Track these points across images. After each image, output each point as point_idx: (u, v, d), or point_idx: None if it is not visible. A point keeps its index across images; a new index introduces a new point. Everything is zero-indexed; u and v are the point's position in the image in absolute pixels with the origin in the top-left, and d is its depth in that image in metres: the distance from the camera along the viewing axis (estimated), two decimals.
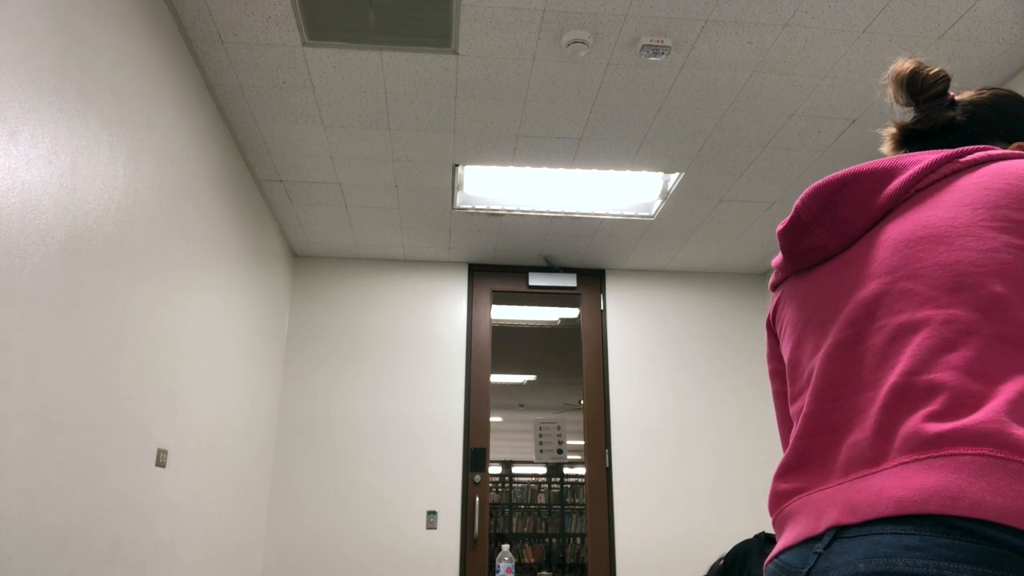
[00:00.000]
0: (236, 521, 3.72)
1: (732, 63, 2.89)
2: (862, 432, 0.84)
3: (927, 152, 0.97)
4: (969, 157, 0.94)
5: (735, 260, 4.79)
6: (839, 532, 0.80)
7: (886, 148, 1.14)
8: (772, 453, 4.69)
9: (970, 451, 0.74)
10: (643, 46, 2.76)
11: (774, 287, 1.13)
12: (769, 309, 1.14)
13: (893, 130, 1.13)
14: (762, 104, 3.14)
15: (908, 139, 1.12)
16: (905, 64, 1.08)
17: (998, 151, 0.94)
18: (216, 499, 3.39)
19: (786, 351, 1.05)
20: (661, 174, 3.80)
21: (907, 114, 1.12)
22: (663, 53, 2.79)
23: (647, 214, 4.16)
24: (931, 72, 1.07)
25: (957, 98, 1.09)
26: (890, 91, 1.10)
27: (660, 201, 4.04)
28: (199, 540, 3.19)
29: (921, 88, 1.07)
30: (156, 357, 2.67)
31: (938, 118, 1.08)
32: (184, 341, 2.94)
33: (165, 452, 2.77)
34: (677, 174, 3.76)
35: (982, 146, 0.95)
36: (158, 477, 2.72)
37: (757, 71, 2.94)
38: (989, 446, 0.73)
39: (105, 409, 2.29)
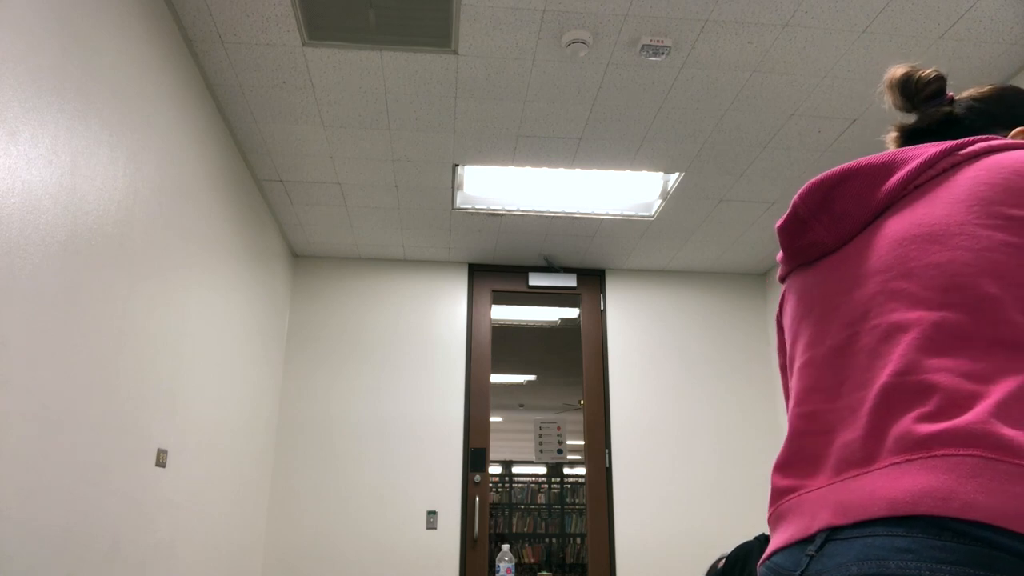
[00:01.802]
0: (236, 521, 3.72)
1: (732, 63, 2.89)
2: (853, 432, 0.84)
3: (928, 145, 0.96)
4: (969, 149, 0.93)
5: (735, 260, 4.79)
6: (831, 534, 0.80)
7: (891, 135, 1.15)
8: (772, 453, 4.69)
9: (961, 452, 0.74)
10: (643, 46, 2.76)
11: (782, 280, 1.13)
12: (778, 303, 1.14)
13: (894, 133, 1.14)
14: (762, 104, 3.14)
15: (909, 138, 1.12)
16: (896, 70, 1.08)
17: (999, 141, 0.93)
18: (216, 499, 3.39)
19: (787, 346, 1.06)
20: (661, 174, 3.80)
21: (909, 118, 1.12)
22: (663, 53, 2.79)
23: (647, 214, 4.16)
24: (924, 74, 1.07)
25: (957, 97, 1.10)
26: (888, 100, 1.11)
27: (660, 201, 4.03)
28: (199, 540, 3.19)
29: (916, 90, 1.08)
30: (156, 357, 2.67)
31: (935, 115, 1.08)
32: (184, 341, 2.94)
33: (165, 452, 2.77)
34: (677, 174, 3.76)
35: (983, 136, 0.95)
36: (158, 477, 2.72)
37: (757, 71, 2.94)
38: (980, 447, 0.73)
39: (105, 409, 2.29)
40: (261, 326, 4.04)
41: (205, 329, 3.17)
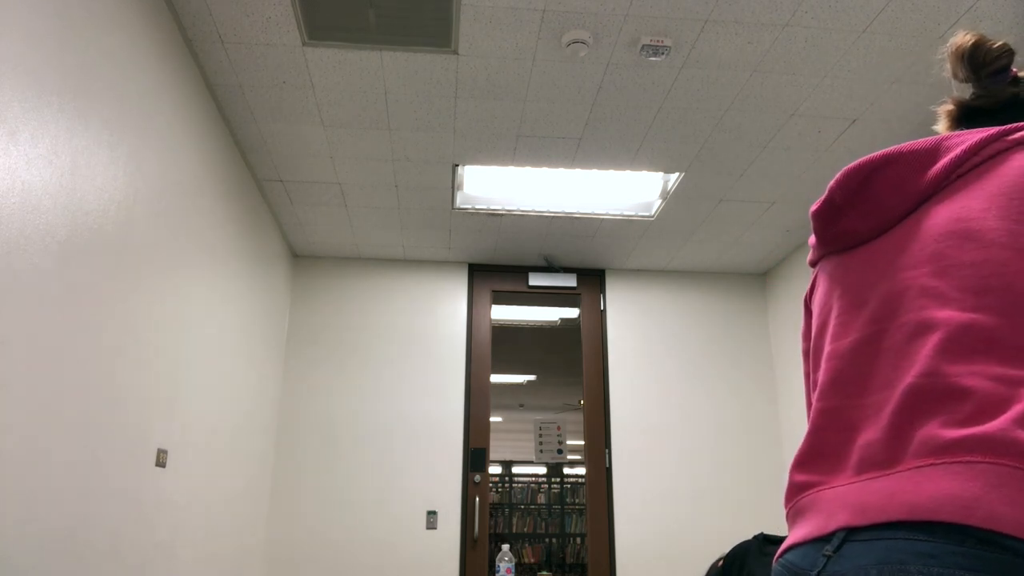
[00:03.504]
0: (236, 521, 3.72)
1: (732, 63, 2.89)
2: (875, 432, 0.82)
3: (973, 131, 0.90)
4: (1019, 135, 0.87)
5: (735, 260, 4.79)
6: (849, 534, 0.78)
7: (941, 126, 1.07)
8: (772, 453, 4.69)
9: (987, 459, 0.72)
10: (643, 46, 2.76)
11: (812, 264, 1.08)
12: (808, 287, 1.09)
13: (950, 107, 1.06)
14: (762, 104, 3.14)
15: (967, 116, 1.04)
16: (967, 37, 1.01)
17: None
18: (216, 499, 3.39)
19: (812, 334, 1.02)
20: (661, 174, 3.80)
21: (964, 90, 1.05)
22: (663, 53, 2.79)
23: (647, 214, 4.16)
24: (995, 45, 1.00)
25: (1021, 74, 1.03)
26: (948, 65, 1.03)
27: (660, 201, 4.03)
28: (199, 540, 3.19)
29: (984, 62, 1.00)
30: (156, 357, 2.67)
31: (1000, 94, 1.01)
32: (184, 341, 2.94)
33: (165, 452, 2.77)
34: (677, 174, 3.76)
35: None
36: (158, 477, 2.72)
37: (757, 71, 2.94)
38: (1008, 456, 0.71)
39: (105, 409, 2.29)
40: (261, 326, 4.04)
41: (205, 329, 3.17)
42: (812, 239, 1.05)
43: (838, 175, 0.97)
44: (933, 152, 0.91)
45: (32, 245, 1.87)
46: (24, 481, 1.87)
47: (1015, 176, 0.84)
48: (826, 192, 0.99)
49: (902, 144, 0.93)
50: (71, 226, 2.06)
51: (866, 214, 0.95)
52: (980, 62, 1.00)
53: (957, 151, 0.89)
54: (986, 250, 0.82)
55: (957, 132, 0.92)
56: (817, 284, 1.04)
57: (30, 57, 1.84)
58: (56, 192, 1.98)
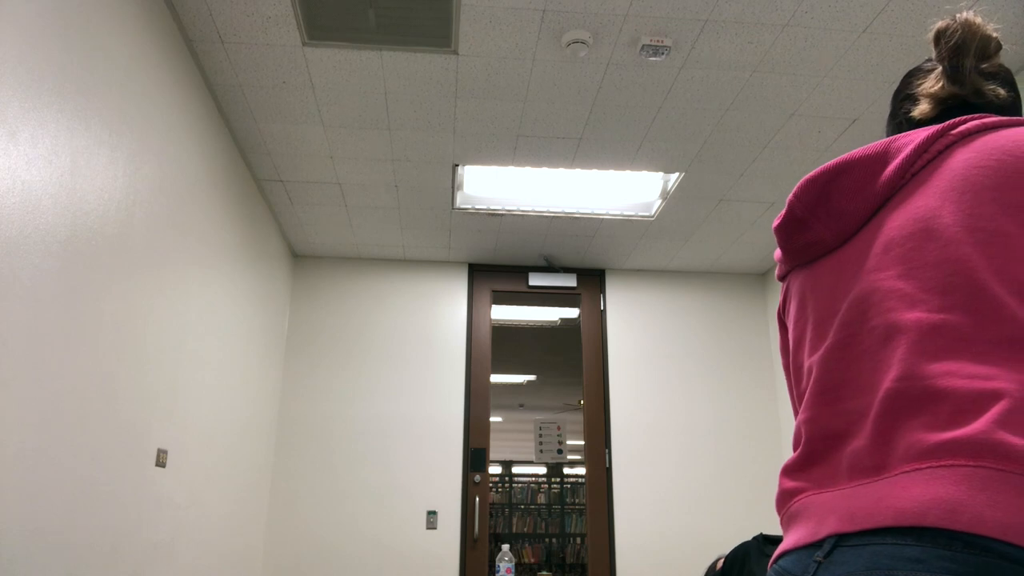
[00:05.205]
0: (236, 521, 3.72)
1: (732, 63, 2.89)
2: (860, 440, 0.82)
3: (919, 130, 0.91)
4: (961, 128, 0.88)
5: (735, 260, 4.79)
6: (839, 540, 0.79)
7: (921, 108, 1.02)
8: (772, 453, 4.69)
9: (970, 463, 0.72)
10: (643, 46, 2.76)
11: (781, 278, 1.08)
12: (779, 301, 1.09)
13: (941, 92, 1.00)
14: (762, 104, 3.14)
15: (955, 108, 1.00)
16: (978, 20, 0.97)
17: (993, 118, 0.88)
18: (216, 499, 3.39)
19: (791, 348, 1.02)
20: (661, 174, 3.80)
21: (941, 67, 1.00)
22: (663, 53, 2.79)
23: (647, 214, 4.16)
24: (995, 35, 0.97)
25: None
26: (954, 40, 0.97)
27: (660, 201, 4.03)
28: (199, 540, 3.19)
29: (988, 54, 0.98)
30: (156, 357, 2.67)
31: (989, 91, 0.97)
32: (184, 341, 2.94)
33: (165, 452, 2.77)
34: (677, 174, 3.76)
35: (979, 114, 0.89)
36: (158, 477, 2.72)
37: (757, 71, 2.94)
38: (989, 458, 0.71)
39: (105, 409, 2.29)
40: (261, 326, 4.04)
41: (205, 329, 3.17)
42: (778, 254, 1.05)
43: (796, 188, 0.98)
44: (884, 155, 0.92)
45: (32, 245, 1.87)
46: (24, 481, 1.87)
47: (961, 169, 0.85)
48: (786, 206, 0.99)
49: (853, 151, 0.94)
50: (71, 226, 2.06)
51: (829, 222, 0.95)
52: (984, 54, 0.98)
53: (906, 152, 0.90)
54: (945, 249, 0.82)
55: (905, 133, 0.93)
56: (789, 298, 1.05)
57: (30, 57, 1.84)
58: (56, 192, 1.98)
